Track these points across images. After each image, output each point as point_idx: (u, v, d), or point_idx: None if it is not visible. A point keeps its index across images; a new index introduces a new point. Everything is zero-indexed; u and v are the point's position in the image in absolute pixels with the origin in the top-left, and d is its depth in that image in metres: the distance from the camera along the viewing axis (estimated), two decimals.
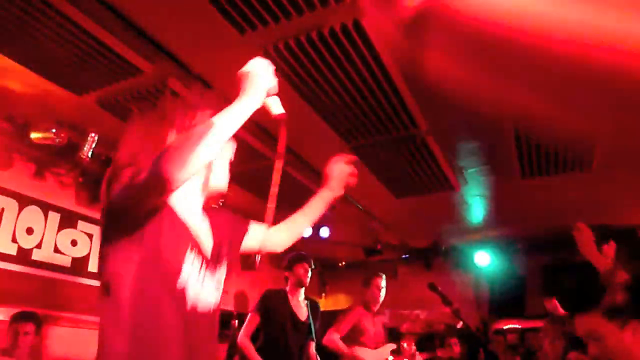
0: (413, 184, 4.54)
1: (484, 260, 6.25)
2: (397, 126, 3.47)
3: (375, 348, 4.15)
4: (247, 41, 2.62)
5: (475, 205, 5.34)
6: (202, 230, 1.43)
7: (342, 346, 4.00)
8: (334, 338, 4.03)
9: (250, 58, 1.41)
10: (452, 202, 5.12)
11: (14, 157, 3.78)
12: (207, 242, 1.44)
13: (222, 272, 1.49)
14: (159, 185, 1.17)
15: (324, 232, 5.80)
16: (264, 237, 1.71)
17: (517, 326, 6.23)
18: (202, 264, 1.37)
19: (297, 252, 3.98)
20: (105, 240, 1.31)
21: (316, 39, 2.54)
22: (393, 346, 4.28)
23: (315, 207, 1.85)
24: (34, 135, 3.33)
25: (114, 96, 3.23)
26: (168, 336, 1.24)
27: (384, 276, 4.42)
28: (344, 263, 7.70)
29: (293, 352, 3.65)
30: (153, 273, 1.24)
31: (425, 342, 5.58)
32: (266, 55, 2.67)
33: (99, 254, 1.34)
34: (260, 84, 1.35)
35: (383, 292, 4.37)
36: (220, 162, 1.48)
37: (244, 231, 1.66)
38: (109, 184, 1.35)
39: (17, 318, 3.31)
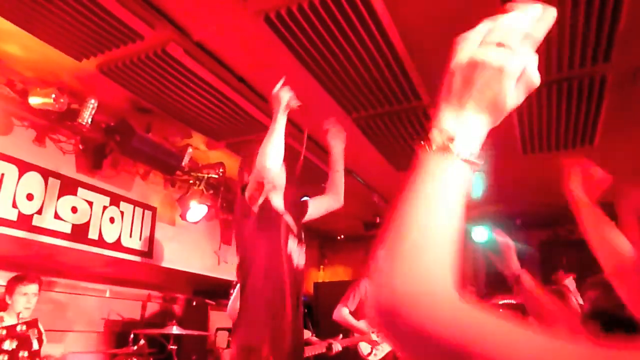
0: (412, 156, 4.53)
1: (482, 236, 6.28)
2: (400, 98, 3.44)
3: None
4: (249, 7, 2.58)
5: (475, 181, 5.34)
6: (289, 218, 2.39)
7: (352, 320, 4.11)
8: (343, 313, 4.14)
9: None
10: None
11: (13, 123, 3.76)
12: (293, 226, 2.39)
13: (303, 245, 2.44)
14: (266, 174, 2.17)
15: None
16: (327, 204, 2.76)
17: (512, 301, 6.29)
18: (295, 240, 2.34)
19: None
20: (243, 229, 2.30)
21: (319, 5, 2.50)
22: None
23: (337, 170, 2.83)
24: (32, 100, 3.30)
25: (114, 62, 3.20)
26: (285, 280, 2.20)
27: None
28: (343, 236, 7.75)
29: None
30: (275, 246, 2.23)
31: None
32: (267, 21, 2.64)
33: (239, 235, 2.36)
34: (283, 103, 2.25)
35: None
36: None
37: (305, 211, 2.66)
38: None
39: (20, 279, 3.35)
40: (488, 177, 5.17)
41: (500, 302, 6.49)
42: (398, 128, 3.90)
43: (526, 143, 4.13)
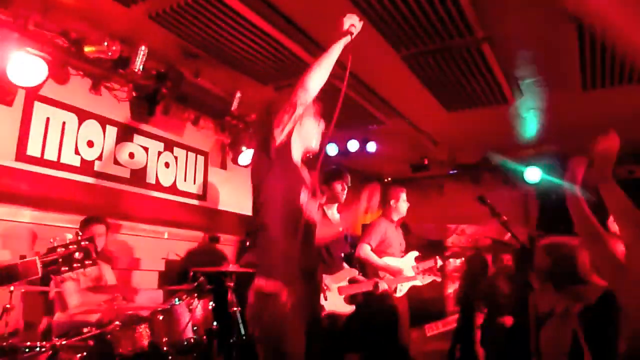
0: (465, 96, 4.39)
1: (535, 176, 6.11)
2: (452, 33, 3.29)
3: (401, 257, 4.34)
4: None
5: (530, 119, 5.15)
6: (304, 172, 2.34)
7: (374, 257, 4.16)
8: (366, 250, 4.18)
9: None
10: (505, 115, 4.95)
11: (70, 73, 3.88)
12: (308, 179, 2.32)
13: (316, 199, 2.41)
14: (302, 94, 2.11)
15: (371, 147, 5.77)
16: None
17: (565, 242, 6.17)
18: (308, 193, 2.27)
19: (336, 167, 4.03)
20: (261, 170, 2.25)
21: None
22: (416, 253, 4.42)
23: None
24: (87, 49, 3.39)
25: (162, 7, 3.20)
26: (300, 228, 2.12)
27: (404, 192, 4.50)
28: (390, 179, 7.73)
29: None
30: (290, 195, 2.20)
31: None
32: None
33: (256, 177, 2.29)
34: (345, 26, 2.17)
35: (406, 205, 4.48)
36: (312, 131, 2.36)
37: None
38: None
39: (89, 221, 3.56)
40: (543, 116, 4.96)
41: (552, 244, 6.40)
42: (450, 65, 3.76)
43: (586, 78, 3.91)
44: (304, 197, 2.26)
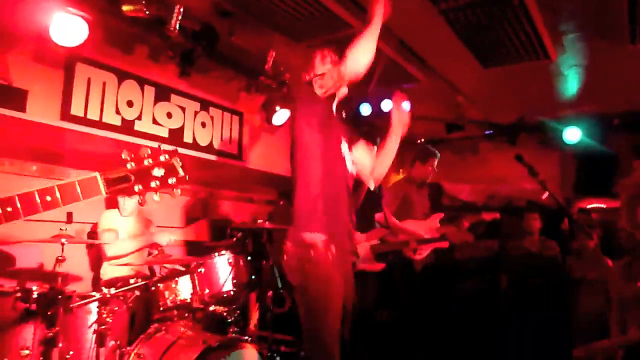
0: (504, 51, 4.25)
1: (574, 136, 5.93)
2: None
3: (425, 219, 4.28)
4: None
5: (572, 77, 4.96)
6: (341, 125, 2.46)
7: (394, 220, 4.15)
8: (384, 213, 4.17)
9: None
10: (545, 73, 4.79)
11: (108, 32, 3.94)
12: (346, 132, 2.49)
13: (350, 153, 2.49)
14: (352, 69, 2.21)
15: (405, 106, 5.69)
16: (361, 165, 2.60)
17: (602, 205, 6.04)
18: (346, 145, 2.43)
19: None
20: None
21: None
22: (441, 215, 4.37)
23: (390, 147, 2.61)
24: (125, 8, 3.42)
25: None
26: (342, 180, 2.33)
27: (438, 155, 4.44)
28: (423, 139, 7.64)
29: None
30: (332, 146, 2.30)
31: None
32: None
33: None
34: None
35: (433, 171, 4.43)
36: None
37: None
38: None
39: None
40: (586, 73, 4.78)
41: (588, 207, 6.28)
42: (491, 20, 3.63)
43: (636, 31, 3.72)
44: (343, 150, 2.34)
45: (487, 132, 6.66)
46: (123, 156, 1.44)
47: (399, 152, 2.62)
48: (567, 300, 4.52)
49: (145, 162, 1.44)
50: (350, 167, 2.44)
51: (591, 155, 6.00)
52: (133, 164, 1.44)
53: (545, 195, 3.56)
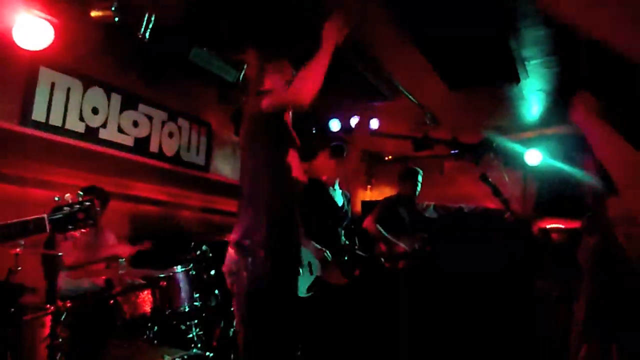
0: (470, 75, 4.38)
1: (535, 158, 6.12)
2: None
3: (409, 236, 4.39)
4: None
5: (533, 101, 5.14)
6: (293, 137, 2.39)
7: (382, 232, 4.23)
8: (375, 225, 4.26)
9: None
10: (509, 96, 4.95)
11: (76, 38, 3.84)
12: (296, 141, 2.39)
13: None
14: (295, 95, 2.16)
15: (374, 124, 5.77)
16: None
17: (561, 226, 6.22)
18: (297, 158, 2.34)
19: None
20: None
21: None
22: (424, 235, 4.47)
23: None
24: (94, 13, 3.35)
25: None
26: (291, 192, 2.30)
27: (421, 172, 4.57)
28: (391, 157, 7.74)
29: None
30: (283, 159, 2.26)
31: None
32: None
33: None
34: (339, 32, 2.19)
35: (419, 187, 4.55)
36: None
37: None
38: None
39: (87, 192, 3.58)
40: (548, 98, 4.96)
41: (548, 227, 6.46)
42: (456, 43, 3.74)
43: None
44: (293, 163, 2.29)
45: (453, 152, 6.79)
46: (56, 199, 1.81)
47: (368, 167, 2.62)
48: (532, 318, 4.62)
49: (74, 206, 1.81)
50: (302, 178, 2.40)
51: (552, 177, 6.19)
52: (67, 206, 1.81)
53: (508, 215, 3.67)
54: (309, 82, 2.13)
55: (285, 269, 2.22)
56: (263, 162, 2.23)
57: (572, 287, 4.22)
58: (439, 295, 5.00)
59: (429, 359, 4.40)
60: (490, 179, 3.55)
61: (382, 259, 4.17)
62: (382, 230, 4.27)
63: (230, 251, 2.20)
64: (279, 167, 2.24)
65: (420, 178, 4.60)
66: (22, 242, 2.65)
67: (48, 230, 1.78)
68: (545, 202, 6.41)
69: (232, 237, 2.22)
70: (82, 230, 1.85)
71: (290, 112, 2.41)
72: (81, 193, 1.89)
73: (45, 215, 1.78)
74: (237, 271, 2.13)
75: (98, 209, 2.89)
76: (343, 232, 4.02)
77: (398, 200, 4.57)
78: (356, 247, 4.08)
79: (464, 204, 5.47)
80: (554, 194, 6.30)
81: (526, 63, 4.13)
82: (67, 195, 1.85)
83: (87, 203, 1.84)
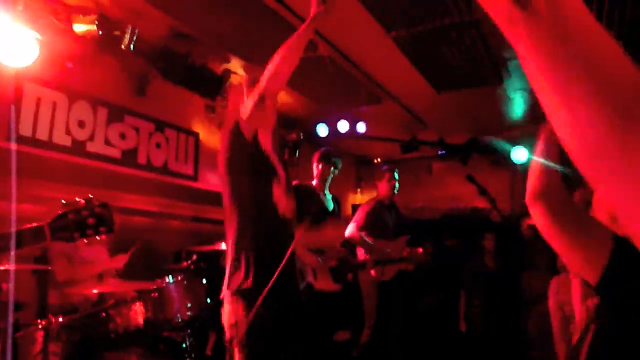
0: (455, 77, 4.43)
1: (522, 156, 6.19)
2: (448, 9, 3.26)
3: (394, 239, 4.38)
4: None
5: (517, 100, 5.21)
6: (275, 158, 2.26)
7: (363, 238, 4.21)
8: (356, 231, 4.24)
9: None
10: (493, 97, 5.01)
11: (60, 52, 3.85)
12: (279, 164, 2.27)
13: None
14: (271, 83, 2.00)
15: (361, 127, 5.82)
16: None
17: None
18: (281, 180, 2.24)
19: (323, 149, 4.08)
20: None
21: None
22: (407, 237, 4.47)
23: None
24: (77, 27, 3.36)
25: None
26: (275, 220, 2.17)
27: (395, 170, 4.52)
28: (379, 159, 7.79)
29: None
30: (262, 183, 2.16)
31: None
32: None
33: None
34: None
35: (397, 185, 4.51)
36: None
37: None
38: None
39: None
40: (530, 96, 5.03)
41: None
42: (440, 47, 3.78)
43: None
44: (276, 184, 2.15)
45: (440, 153, 6.86)
46: (63, 204, 1.63)
47: (355, 170, 2.60)
48: (521, 315, 4.67)
49: (83, 212, 1.62)
50: (289, 200, 2.25)
51: None
52: (73, 212, 1.62)
53: (495, 214, 3.72)
54: (283, 62, 1.96)
55: (284, 299, 2.08)
56: (247, 185, 2.11)
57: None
58: (426, 295, 5.05)
59: (420, 356, 4.44)
60: (476, 179, 3.59)
61: (370, 267, 4.16)
62: (365, 238, 4.24)
63: (227, 295, 2.09)
64: (263, 191, 2.12)
65: (396, 176, 4.54)
66: (12, 256, 2.67)
67: (48, 239, 1.56)
68: None
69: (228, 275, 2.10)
70: (97, 237, 1.65)
71: (270, 134, 2.24)
72: (91, 196, 1.68)
73: (45, 223, 1.58)
74: (237, 321, 2.01)
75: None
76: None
77: (378, 204, 4.53)
78: (347, 252, 4.11)
79: (453, 204, 5.53)
80: None
81: (508, 63, 4.20)
82: (78, 199, 1.65)
83: (98, 208, 1.64)
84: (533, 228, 6.32)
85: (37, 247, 1.74)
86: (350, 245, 4.33)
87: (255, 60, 4.30)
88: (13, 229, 1.54)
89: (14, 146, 3.53)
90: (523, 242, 5.37)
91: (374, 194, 7.90)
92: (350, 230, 4.27)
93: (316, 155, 4.05)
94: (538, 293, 4.57)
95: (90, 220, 1.61)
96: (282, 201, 2.13)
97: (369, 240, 4.23)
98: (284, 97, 4.98)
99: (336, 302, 3.91)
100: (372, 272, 4.20)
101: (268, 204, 2.11)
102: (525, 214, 6.58)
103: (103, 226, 1.64)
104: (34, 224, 1.56)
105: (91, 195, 1.71)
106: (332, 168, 3.98)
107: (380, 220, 4.40)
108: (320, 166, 3.98)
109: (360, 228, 4.26)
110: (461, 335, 5.19)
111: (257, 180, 2.13)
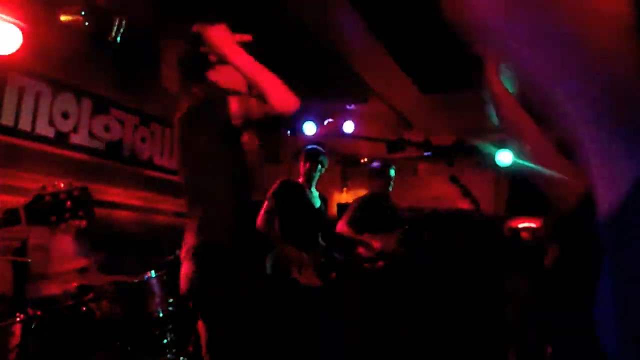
0: (441, 79, 4.47)
1: (506, 159, 6.24)
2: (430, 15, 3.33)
3: (387, 234, 4.40)
4: None
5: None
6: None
7: (353, 233, 4.24)
8: (346, 226, 4.26)
9: None
10: (479, 98, 5.06)
11: (45, 42, 3.79)
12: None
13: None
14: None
15: (348, 127, 5.83)
16: None
17: (532, 225, 6.37)
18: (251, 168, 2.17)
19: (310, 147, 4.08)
20: None
21: None
22: (399, 231, 4.48)
23: None
24: (63, 17, 3.32)
25: None
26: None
27: (394, 167, 4.51)
28: (366, 159, 7.81)
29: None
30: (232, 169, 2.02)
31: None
32: None
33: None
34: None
35: (392, 182, 4.51)
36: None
37: None
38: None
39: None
40: (516, 98, 5.09)
41: (520, 226, 6.60)
42: (427, 49, 3.82)
43: None
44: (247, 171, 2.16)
45: (426, 154, 6.89)
46: (41, 187, 1.56)
47: (343, 170, 2.58)
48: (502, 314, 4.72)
49: (61, 195, 1.55)
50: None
51: (523, 177, 6.32)
52: (50, 194, 1.55)
53: (477, 214, 3.76)
54: (282, 88, 1.89)
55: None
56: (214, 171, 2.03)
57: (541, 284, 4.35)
58: (414, 292, 5.07)
59: (407, 354, 4.47)
60: (460, 181, 3.62)
61: (361, 260, 4.18)
62: (353, 232, 4.26)
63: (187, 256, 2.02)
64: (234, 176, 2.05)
65: (392, 173, 4.53)
66: None
67: (23, 222, 1.50)
68: (517, 201, 6.55)
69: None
70: (75, 222, 1.62)
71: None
72: (70, 181, 1.62)
73: (20, 206, 1.51)
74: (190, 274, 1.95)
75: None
76: (320, 234, 4.06)
77: (371, 199, 4.54)
78: (333, 249, 4.12)
79: (438, 205, 5.56)
80: (526, 194, 6.42)
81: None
82: (56, 183, 1.59)
83: (77, 191, 1.57)
84: (514, 230, 6.40)
85: (13, 230, 1.64)
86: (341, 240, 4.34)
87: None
88: None
89: None
90: (503, 243, 5.43)
91: (359, 193, 7.94)
92: (340, 225, 4.29)
93: (302, 154, 4.05)
94: (516, 293, 4.62)
95: (69, 203, 1.54)
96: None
97: (354, 236, 4.23)
98: None
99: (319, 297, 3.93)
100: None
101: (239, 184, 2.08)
102: (508, 216, 6.66)
103: (82, 210, 1.57)
104: (9, 207, 1.50)
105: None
106: (318, 166, 3.98)
107: (372, 215, 4.39)
108: (306, 164, 3.98)
109: (348, 223, 4.28)
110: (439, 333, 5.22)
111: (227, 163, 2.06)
